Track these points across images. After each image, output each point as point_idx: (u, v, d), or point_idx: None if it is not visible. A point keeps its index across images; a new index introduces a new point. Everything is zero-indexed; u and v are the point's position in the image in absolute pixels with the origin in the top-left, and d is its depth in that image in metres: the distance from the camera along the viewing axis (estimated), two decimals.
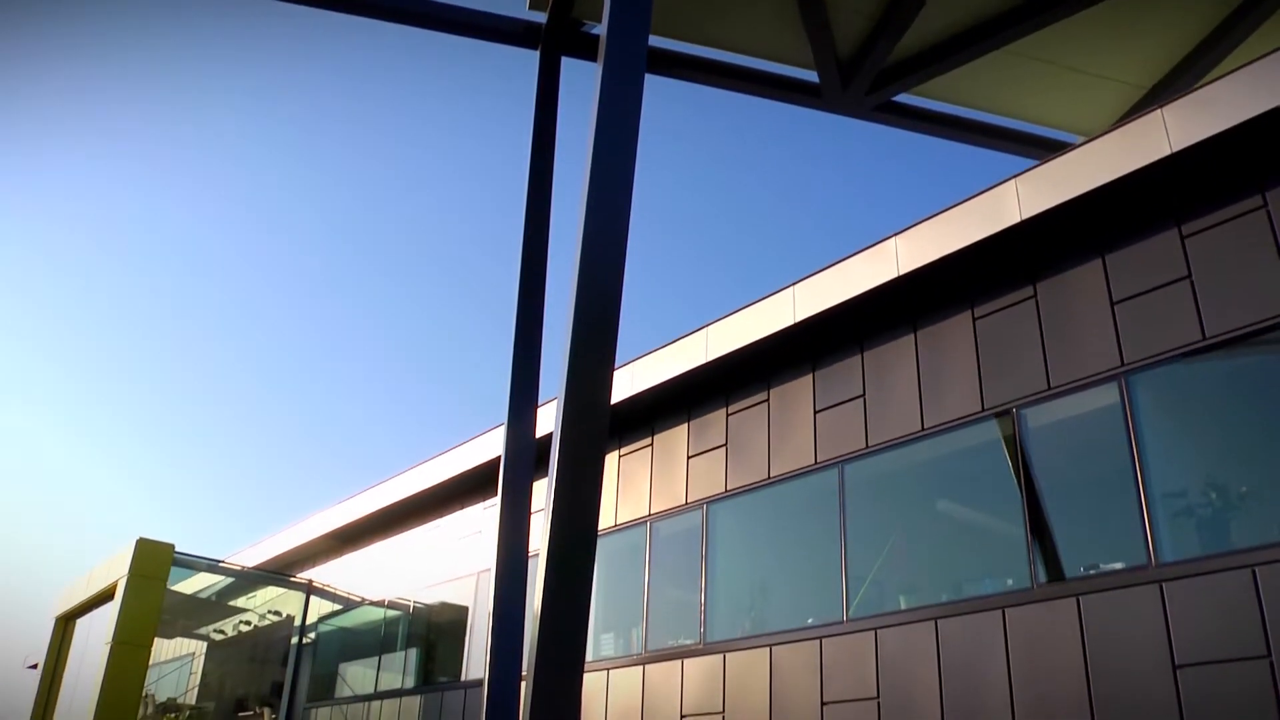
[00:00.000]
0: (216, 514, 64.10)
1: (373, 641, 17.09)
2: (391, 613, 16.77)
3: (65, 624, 20.27)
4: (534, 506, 9.18)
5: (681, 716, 10.48)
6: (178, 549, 16.93)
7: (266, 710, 18.62)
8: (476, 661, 13.84)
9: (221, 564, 18.69)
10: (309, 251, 62.72)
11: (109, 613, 16.58)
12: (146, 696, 17.67)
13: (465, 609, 14.65)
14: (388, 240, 62.40)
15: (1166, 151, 7.76)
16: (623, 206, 6.57)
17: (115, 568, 16.87)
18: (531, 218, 9.80)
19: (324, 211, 60.58)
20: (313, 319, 65.36)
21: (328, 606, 18.84)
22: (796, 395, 10.61)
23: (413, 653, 15.85)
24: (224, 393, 68.06)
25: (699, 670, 10.48)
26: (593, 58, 8.93)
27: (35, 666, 21.55)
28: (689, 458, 11.62)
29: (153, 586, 16.35)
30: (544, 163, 10.00)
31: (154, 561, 16.39)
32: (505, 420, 9.24)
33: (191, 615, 20.16)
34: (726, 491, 10.98)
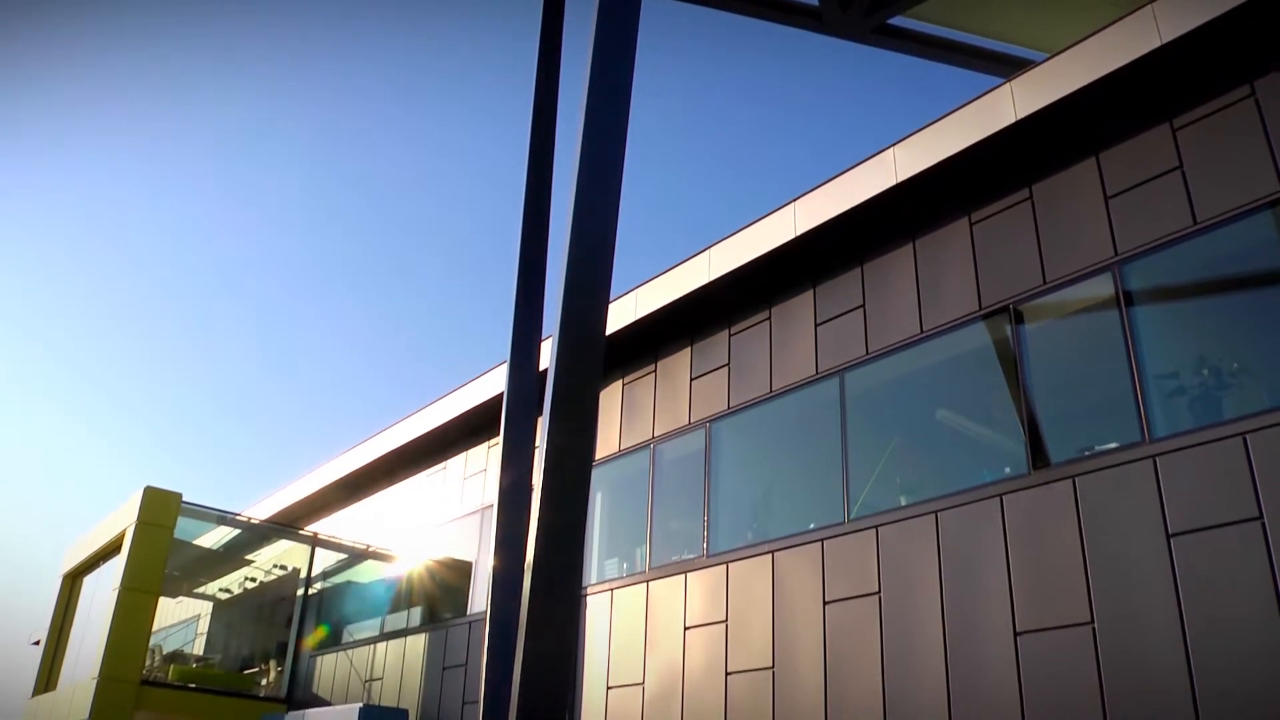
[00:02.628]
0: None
1: (379, 589, 17.25)
2: (397, 559, 16.92)
3: (73, 581, 20.36)
4: (538, 440, 9.31)
5: (685, 628, 10.64)
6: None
7: (272, 664, 18.76)
8: (482, 596, 13.99)
9: (228, 515, 18.81)
10: (297, 225, 62.89)
11: (117, 564, 16.70)
12: (153, 649, 17.79)
13: (471, 547, 14.80)
14: (387, 230, 62.56)
15: (1157, 43, 7.95)
16: (619, 132, 6.66)
17: (123, 517, 16.99)
18: (535, 157, 9.87)
19: (317, 195, 60.75)
20: (306, 298, 65.51)
21: (334, 558, 18.97)
22: (797, 310, 10.78)
23: (419, 594, 15.99)
24: (220, 384, 68.20)
25: (702, 582, 10.65)
26: None
27: (38, 643, 21.56)
28: (692, 380, 11.79)
29: (160, 534, 16.49)
30: (548, 99, 10.08)
31: (162, 509, 16.54)
32: (508, 356, 9.40)
33: (197, 571, 20.26)
34: (729, 409, 11.15)
